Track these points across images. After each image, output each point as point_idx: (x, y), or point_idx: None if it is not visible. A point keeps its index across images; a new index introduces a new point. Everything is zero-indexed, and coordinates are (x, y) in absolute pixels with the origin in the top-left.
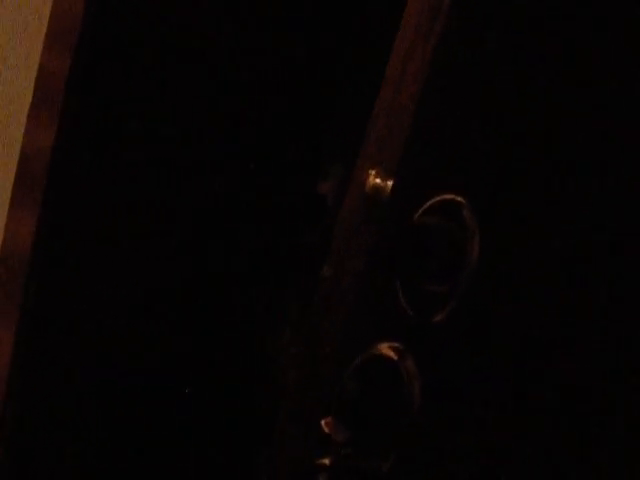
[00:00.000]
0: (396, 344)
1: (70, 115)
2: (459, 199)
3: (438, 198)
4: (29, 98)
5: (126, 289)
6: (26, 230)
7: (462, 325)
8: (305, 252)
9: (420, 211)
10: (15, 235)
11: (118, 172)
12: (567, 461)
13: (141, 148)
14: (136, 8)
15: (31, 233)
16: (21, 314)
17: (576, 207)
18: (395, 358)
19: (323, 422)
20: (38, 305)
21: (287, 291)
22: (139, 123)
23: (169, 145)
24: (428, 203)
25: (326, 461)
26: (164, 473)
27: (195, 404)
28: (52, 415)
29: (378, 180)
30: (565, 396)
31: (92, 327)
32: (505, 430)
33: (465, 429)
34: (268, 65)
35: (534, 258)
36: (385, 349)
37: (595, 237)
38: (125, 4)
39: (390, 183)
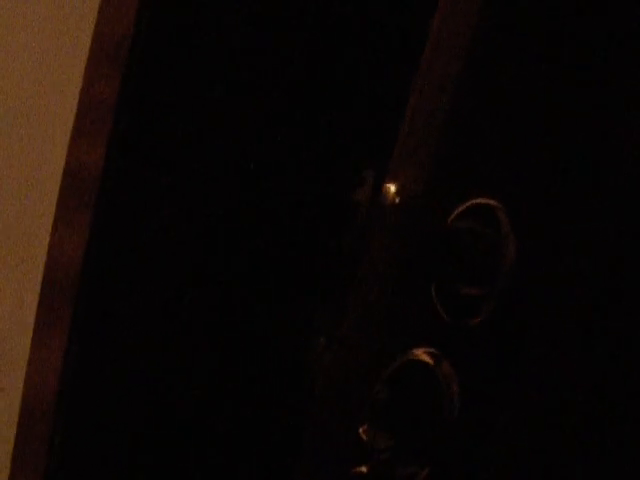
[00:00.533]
0: (432, 349)
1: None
2: (493, 202)
3: (472, 202)
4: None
5: (167, 303)
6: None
7: (499, 329)
8: (339, 259)
9: (454, 215)
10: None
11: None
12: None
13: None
14: None
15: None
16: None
17: (614, 207)
18: (431, 363)
19: (361, 430)
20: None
21: (320, 299)
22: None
23: (217, 151)
24: (462, 207)
25: (363, 469)
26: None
27: (228, 415)
28: (103, 425)
29: (411, 184)
30: (606, 399)
31: (136, 336)
32: (547, 436)
33: (504, 434)
34: (304, 70)
35: (571, 260)
36: (421, 354)
37: (634, 237)
38: None
39: (423, 186)
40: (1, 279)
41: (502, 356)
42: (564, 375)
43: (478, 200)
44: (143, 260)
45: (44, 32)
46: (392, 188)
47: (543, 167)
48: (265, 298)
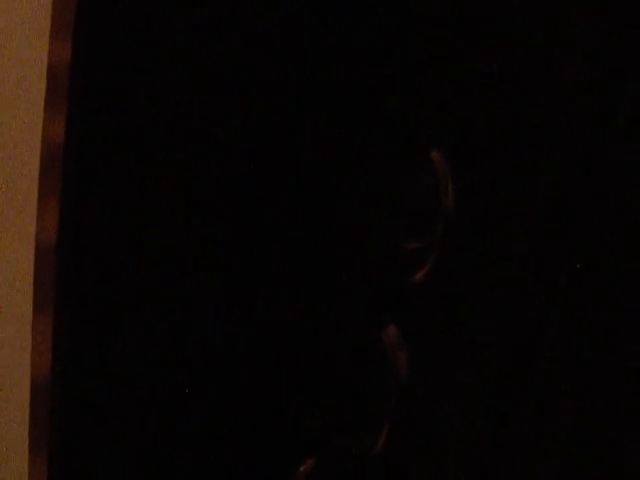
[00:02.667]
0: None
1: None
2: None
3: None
4: None
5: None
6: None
7: (444, 282)
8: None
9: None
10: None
11: None
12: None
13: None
14: None
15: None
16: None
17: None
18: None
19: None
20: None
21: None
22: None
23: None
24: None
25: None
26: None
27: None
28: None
29: None
30: (560, 348)
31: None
32: (500, 391)
33: (457, 396)
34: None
35: (513, 202)
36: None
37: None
38: None
39: None
40: None
41: (451, 310)
42: (518, 325)
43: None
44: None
45: None
46: None
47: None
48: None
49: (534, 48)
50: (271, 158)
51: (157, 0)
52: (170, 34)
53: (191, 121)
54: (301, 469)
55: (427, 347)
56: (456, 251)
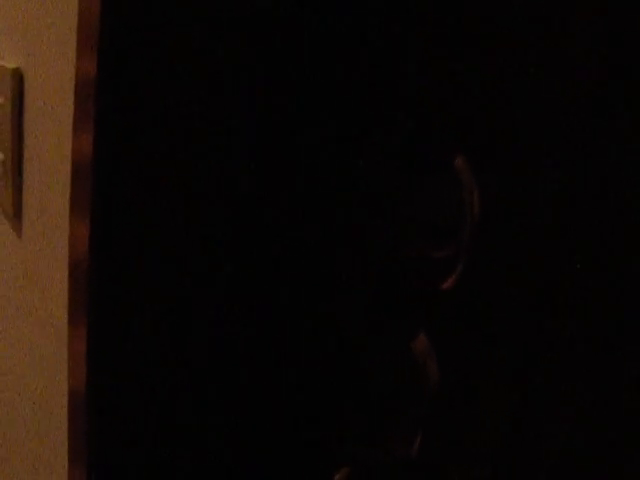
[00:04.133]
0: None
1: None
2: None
3: (432, 158)
4: None
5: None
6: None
7: (472, 289)
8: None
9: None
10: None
11: None
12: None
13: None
14: None
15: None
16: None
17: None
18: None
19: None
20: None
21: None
22: None
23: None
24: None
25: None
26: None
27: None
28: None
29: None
30: (588, 349)
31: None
32: (530, 395)
33: (488, 398)
34: None
35: (537, 207)
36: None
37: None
38: None
39: None
40: None
41: (480, 316)
42: (546, 327)
43: (438, 156)
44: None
45: None
46: None
47: (499, 114)
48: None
49: (535, 49)
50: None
51: (174, 11)
52: (187, 44)
53: (210, 127)
54: (336, 477)
55: (456, 353)
56: (483, 258)
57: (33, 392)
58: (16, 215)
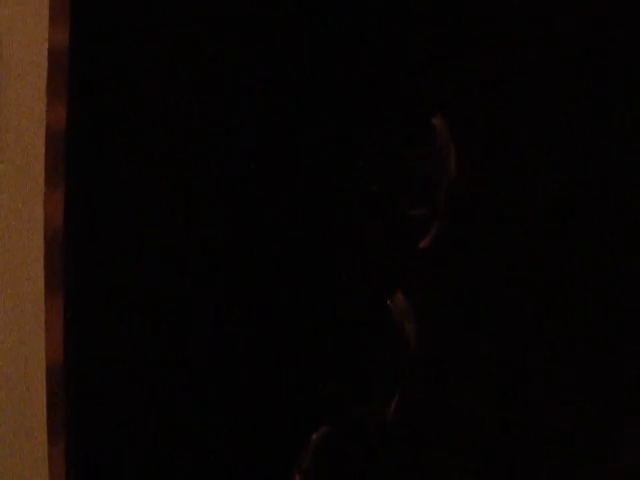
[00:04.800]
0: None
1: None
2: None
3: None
4: None
5: None
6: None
7: (450, 248)
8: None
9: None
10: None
11: None
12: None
13: None
14: None
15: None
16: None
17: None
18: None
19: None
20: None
21: None
22: None
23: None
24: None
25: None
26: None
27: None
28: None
29: None
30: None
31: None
32: (510, 357)
33: (467, 360)
34: None
35: (515, 169)
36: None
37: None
38: None
39: None
40: None
41: (458, 275)
42: (523, 287)
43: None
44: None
45: None
46: None
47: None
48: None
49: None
50: (275, 123)
51: None
52: (168, 20)
53: (192, 111)
54: (314, 436)
55: (434, 313)
56: (460, 217)
57: (10, 366)
58: None
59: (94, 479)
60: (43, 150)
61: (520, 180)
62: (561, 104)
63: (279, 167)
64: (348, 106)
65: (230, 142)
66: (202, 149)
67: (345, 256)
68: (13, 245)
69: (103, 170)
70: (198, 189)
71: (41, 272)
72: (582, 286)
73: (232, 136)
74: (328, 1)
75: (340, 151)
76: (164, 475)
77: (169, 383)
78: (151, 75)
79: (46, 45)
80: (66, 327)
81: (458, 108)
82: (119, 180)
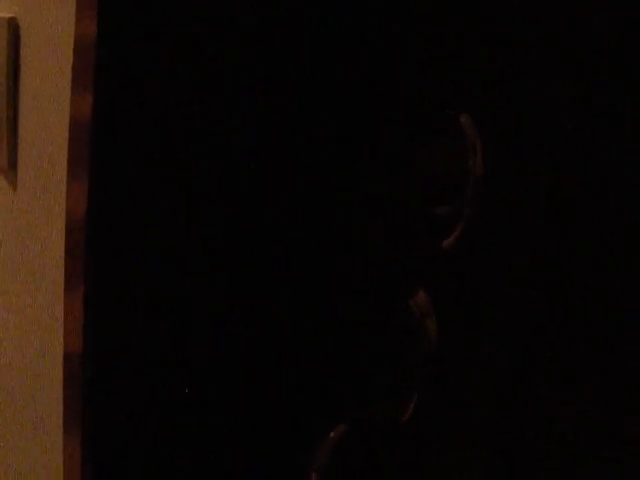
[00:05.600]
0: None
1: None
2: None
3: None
4: None
5: None
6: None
7: (474, 248)
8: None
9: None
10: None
11: None
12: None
13: None
14: None
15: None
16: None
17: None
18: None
19: None
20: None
21: None
22: None
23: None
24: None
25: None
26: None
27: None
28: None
29: None
30: (590, 316)
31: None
32: (529, 357)
33: (486, 361)
34: None
35: (542, 170)
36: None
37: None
38: None
39: None
40: None
41: (480, 276)
42: (547, 291)
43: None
44: None
45: None
46: None
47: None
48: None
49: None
50: (292, 117)
51: None
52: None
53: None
54: (332, 434)
55: (456, 313)
56: (485, 216)
57: (26, 354)
58: (11, 168)
59: (109, 469)
60: (65, 136)
61: (543, 180)
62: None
63: (294, 162)
64: (374, 104)
65: (245, 138)
66: (219, 143)
67: (368, 254)
68: (34, 236)
69: (128, 162)
70: (214, 184)
71: (61, 262)
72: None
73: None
74: None
75: (365, 149)
76: (179, 471)
77: (183, 379)
78: (177, 71)
79: (70, 33)
80: (86, 318)
81: (484, 107)
82: (143, 172)
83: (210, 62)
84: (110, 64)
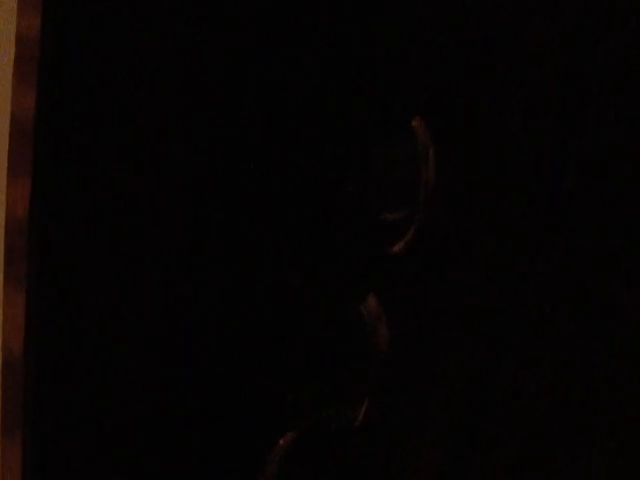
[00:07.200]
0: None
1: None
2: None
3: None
4: None
5: None
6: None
7: (424, 254)
8: None
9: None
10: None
11: None
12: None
13: None
14: None
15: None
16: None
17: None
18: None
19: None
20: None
21: None
22: None
23: None
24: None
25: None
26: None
27: None
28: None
29: None
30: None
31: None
32: (481, 361)
33: (440, 367)
34: None
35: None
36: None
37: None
38: None
39: None
40: None
41: (431, 281)
42: (499, 297)
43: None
44: None
45: None
46: None
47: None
48: None
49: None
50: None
51: None
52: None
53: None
54: (281, 442)
55: (407, 318)
56: (437, 221)
57: None
58: None
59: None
60: (6, 136)
61: (502, 185)
62: (545, 105)
63: (241, 163)
64: (324, 106)
65: (196, 142)
66: (175, 140)
67: (317, 256)
68: None
69: (74, 160)
70: (169, 181)
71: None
72: (561, 301)
73: (196, 137)
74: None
75: (314, 152)
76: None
77: (127, 380)
78: (129, 65)
79: (11, 29)
80: (27, 319)
81: (437, 110)
82: (89, 170)
83: (160, 51)
84: (55, 59)
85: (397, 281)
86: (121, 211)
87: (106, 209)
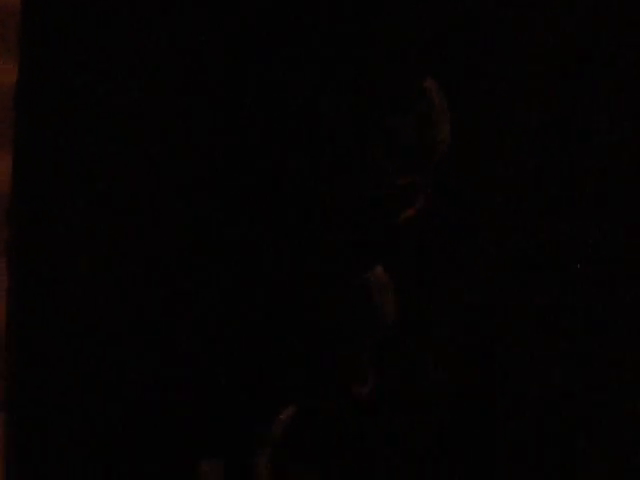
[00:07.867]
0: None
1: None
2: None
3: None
4: None
5: None
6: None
7: (435, 221)
8: None
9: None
10: None
11: None
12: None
13: None
14: None
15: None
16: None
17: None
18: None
19: None
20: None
21: None
22: None
23: None
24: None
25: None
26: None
27: None
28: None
29: None
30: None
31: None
32: (491, 333)
33: (449, 336)
34: None
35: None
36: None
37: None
38: None
39: None
40: None
41: (443, 248)
42: (512, 268)
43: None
44: None
45: None
46: None
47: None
48: None
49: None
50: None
51: None
52: None
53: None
54: (281, 416)
55: (416, 288)
56: (448, 189)
57: None
58: None
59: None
60: None
61: (519, 157)
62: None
63: (253, 129)
64: (337, 70)
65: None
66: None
67: (322, 223)
68: None
69: (54, 136)
70: (153, 164)
71: None
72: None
73: (187, 121)
74: None
75: (321, 117)
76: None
77: (117, 370)
78: (115, 40)
79: None
80: (9, 296)
81: (452, 71)
82: (71, 146)
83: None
84: (37, 30)
85: (406, 251)
86: (112, 200)
87: (95, 189)
